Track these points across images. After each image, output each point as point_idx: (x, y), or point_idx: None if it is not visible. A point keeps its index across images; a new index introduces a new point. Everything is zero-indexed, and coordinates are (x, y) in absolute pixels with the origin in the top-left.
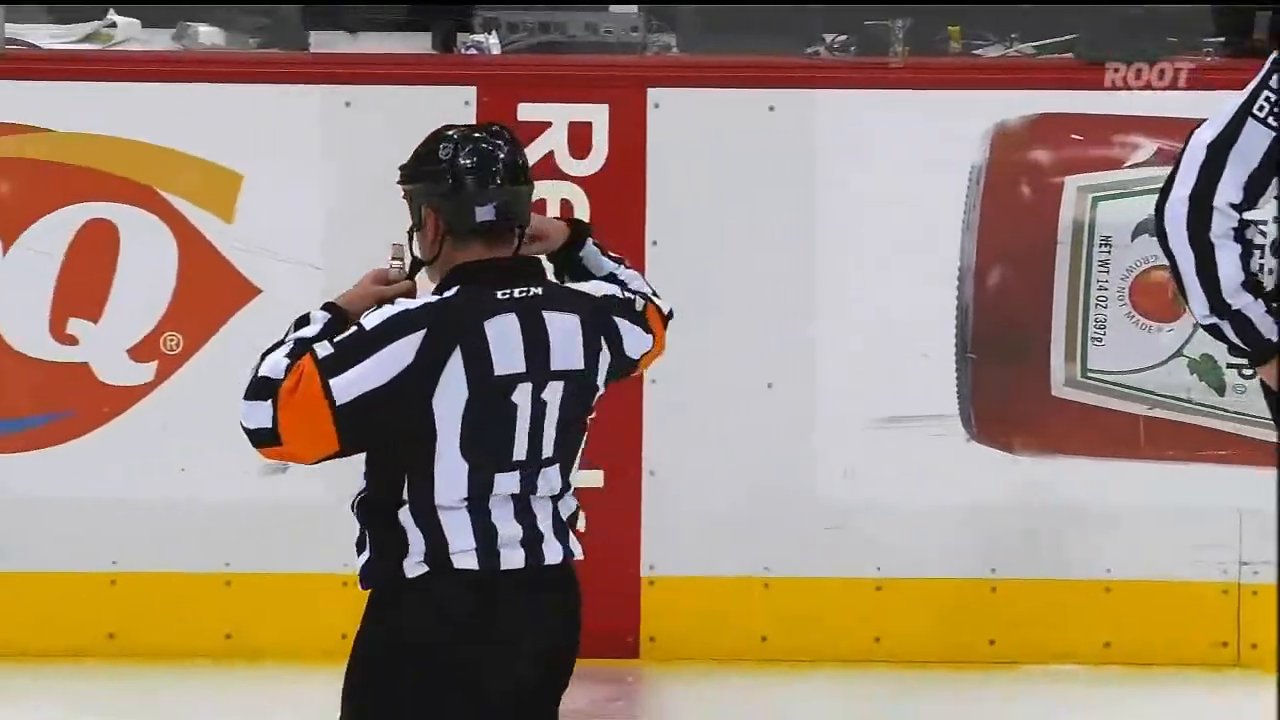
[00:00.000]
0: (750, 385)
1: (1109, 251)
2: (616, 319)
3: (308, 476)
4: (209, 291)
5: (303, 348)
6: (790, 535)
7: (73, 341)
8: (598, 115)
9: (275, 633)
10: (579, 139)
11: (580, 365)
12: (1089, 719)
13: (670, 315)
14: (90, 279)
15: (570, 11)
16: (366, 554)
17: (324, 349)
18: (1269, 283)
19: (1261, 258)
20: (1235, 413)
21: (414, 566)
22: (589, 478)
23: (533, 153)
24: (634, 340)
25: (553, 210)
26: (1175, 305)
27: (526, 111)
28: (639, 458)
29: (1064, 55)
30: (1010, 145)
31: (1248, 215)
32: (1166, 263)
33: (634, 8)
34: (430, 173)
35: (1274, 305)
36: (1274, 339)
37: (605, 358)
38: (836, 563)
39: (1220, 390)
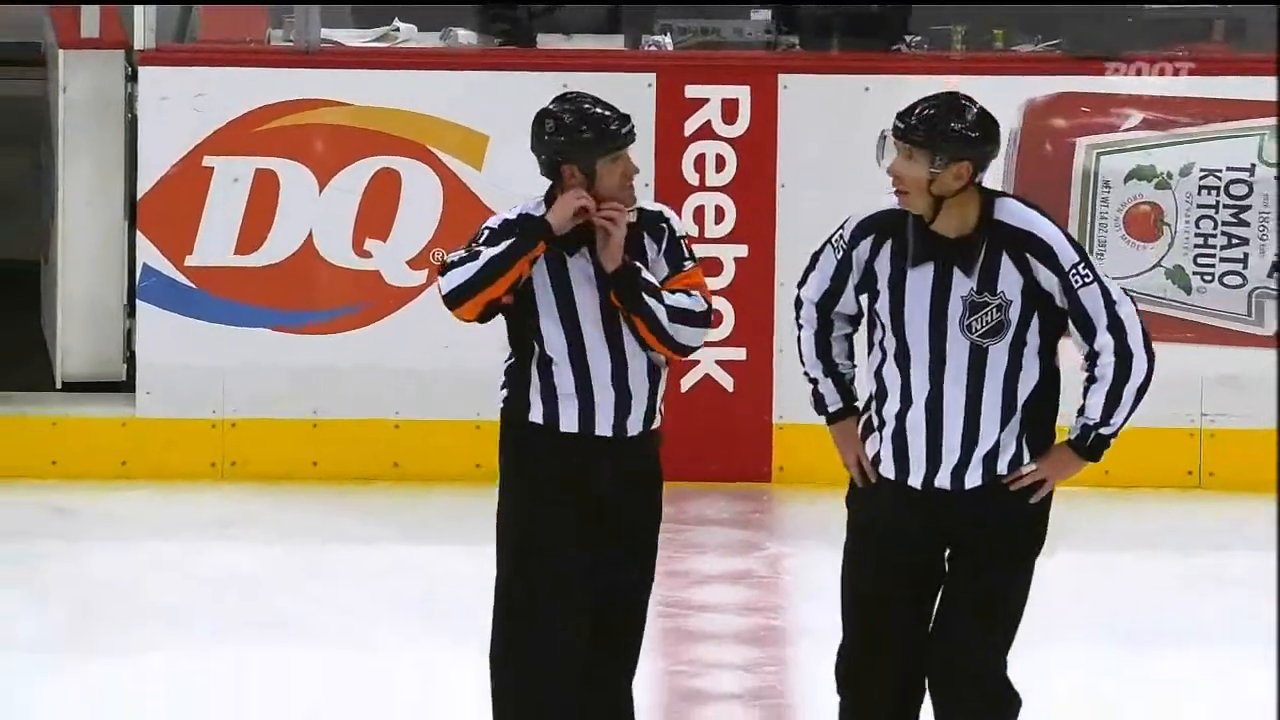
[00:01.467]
0: None
1: (1108, 191)
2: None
3: None
4: (464, 219)
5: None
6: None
7: (367, 255)
8: (742, 94)
9: None
10: (729, 111)
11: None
12: (1093, 524)
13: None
14: (380, 210)
15: (723, 20)
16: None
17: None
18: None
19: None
20: (1198, 307)
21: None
22: (734, 353)
23: (695, 121)
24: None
25: (709, 163)
26: (1156, 230)
27: (691, 91)
28: (771, 339)
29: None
30: (1037, 115)
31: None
32: (1150, 200)
33: (767, 15)
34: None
35: (846, 377)
36: (840, 406)
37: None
38: None
39: (1188, 291)
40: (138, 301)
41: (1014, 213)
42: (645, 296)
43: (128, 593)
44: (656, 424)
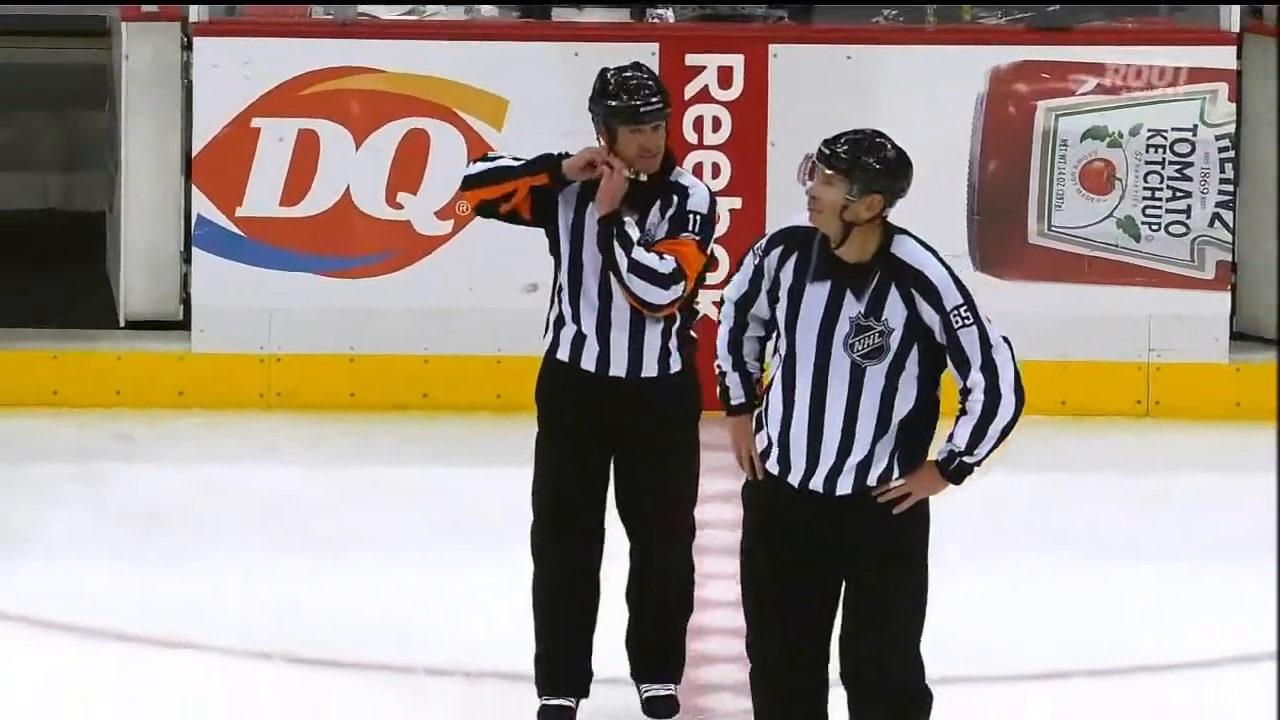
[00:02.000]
0: None
1: (1065, 149)
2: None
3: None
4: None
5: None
6: None
7: (399, 207)
8: (737, 62)
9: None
10: (724, 77)
11: None
12: (1049, 447)
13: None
14: (410, 166)
15: None
16: None
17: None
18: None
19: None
20: (1146, 253)
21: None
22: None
23: (695, 86)
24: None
25: (707, 125)
26: (1108, 185)
27: (691, 59)
28: None
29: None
30: (1002, 81)
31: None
32: (1103, 157)
33: None
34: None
35: (753, 375)
36: (742, 400)
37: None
38: None
39: (1136, 239)
40: (193, 248)
41: (910, 251)
42: (615, 244)
43: (184, 509)
44: (653, 371)
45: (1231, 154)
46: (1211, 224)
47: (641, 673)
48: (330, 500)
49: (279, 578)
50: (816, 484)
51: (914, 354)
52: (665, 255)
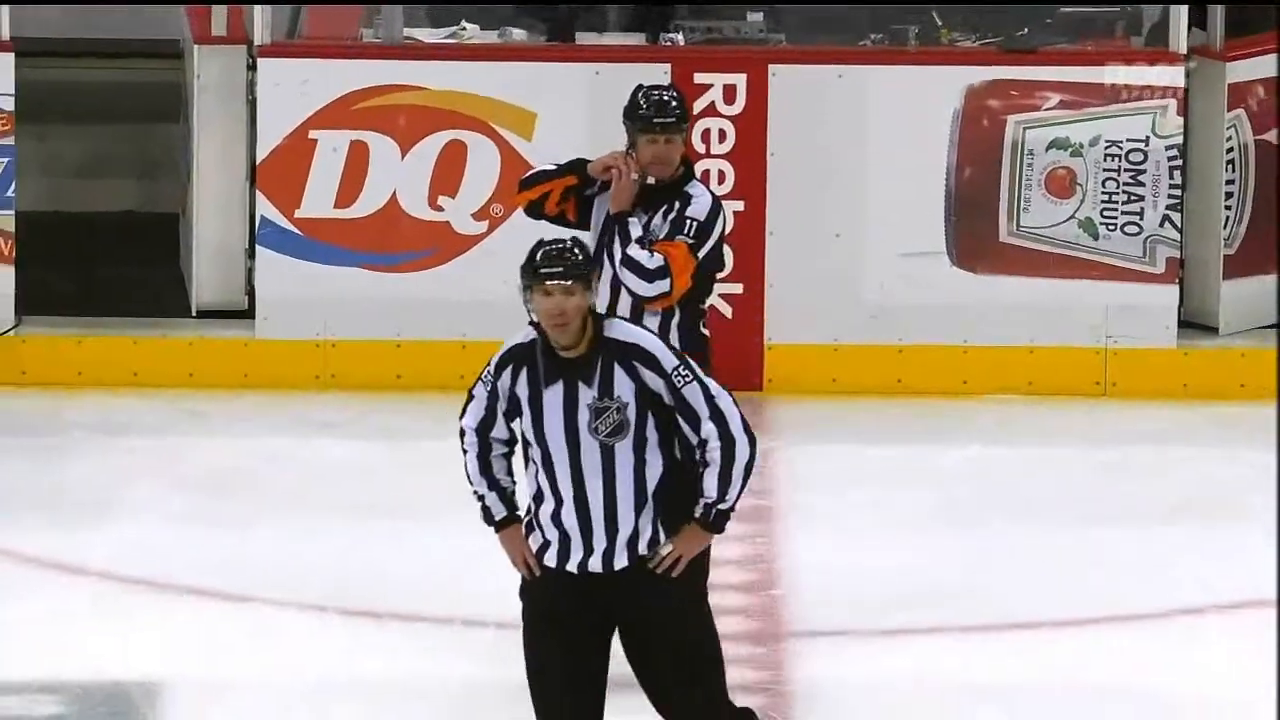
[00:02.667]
0: (826, 232)
1: (1032, 158)
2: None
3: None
4: (517, 179)
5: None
6: (847, 321)
7: (440, 209)
8: (740, 80)
9: None
10: (729, 94)
11: None
12: (1015, 424)
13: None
14: (450, 172)
15: (725, 20)
16: None
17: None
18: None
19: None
20: (1103, 250)
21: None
22: (733, 287)
23: (702, 102)
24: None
25: (714, 136)
26: (1070, 190)
27: (699, 78)
28: (762, 277)
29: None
30: (976, 98)
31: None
32: (1065, 165)
33: (760, 16)
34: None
35: (508, 490)
36: (504, 514)
37: None
38: (863, 331)
39: (1095, 237)
40: (257, 246)
41: (623, 331)
42: (616, 236)
43: (249, 477)
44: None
45: (1179, 162)
46: (1162, 224)
47: None
48: (378, 469)
49: (332, 538)
50: (595, 565)
51: (650, 422)
52: (655, 253)
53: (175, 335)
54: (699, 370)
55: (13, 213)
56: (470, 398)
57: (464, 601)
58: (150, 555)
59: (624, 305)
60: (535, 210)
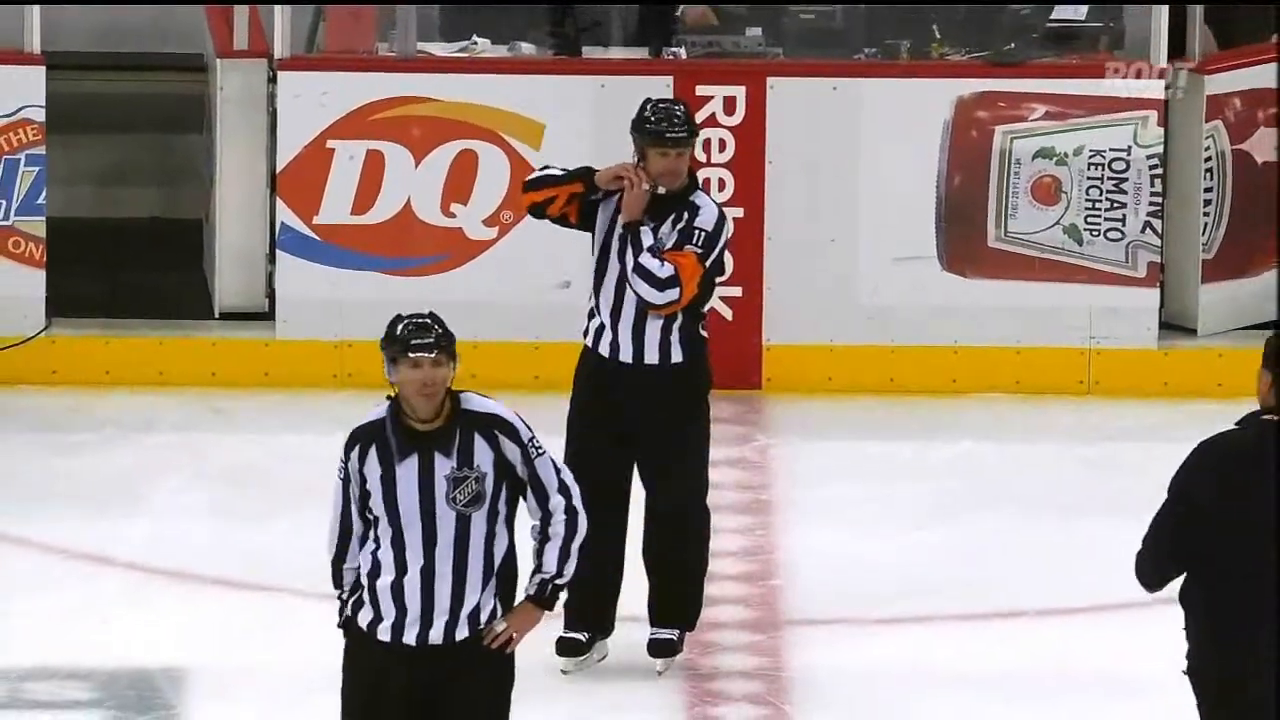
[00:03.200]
0: (822, 238)
1: (1019, 167)
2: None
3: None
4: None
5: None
6: (842, 323)
7: (452, 215)
8: (739, 92)
9: (570, 373)
10: (729, 105)
11: None
12: (1004, 421)
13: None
14: (462, 181)
15: (725, 35)
16: None
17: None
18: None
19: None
20: (1087, 255)
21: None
22: (733, 290)
23: (704, 113)
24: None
25: (714, 145)
26: (1055, 197)
27: (700, 90)
28: (761, 279)
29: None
30: (965, 109)
31: None
32: (1051, 173)
33: (759, 31)
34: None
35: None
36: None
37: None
38: (858, 332)
39: (1080, 243)
40: (277, 250)
41: (478, 402)
42: (628, 247)
43: (269, 472)
44: (654, 360)
45: (1160, 171)
46: (1143, 230)
47: (653, 616)
48: None
49: None
50: (436, 637)
51: (503, 495)
52: (666, 263)
53: (199, 336)
54: (545, 445)
55: (43, 219)
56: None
57: None
58: (175, 546)
59: (629, 309)
60: (539, 211)
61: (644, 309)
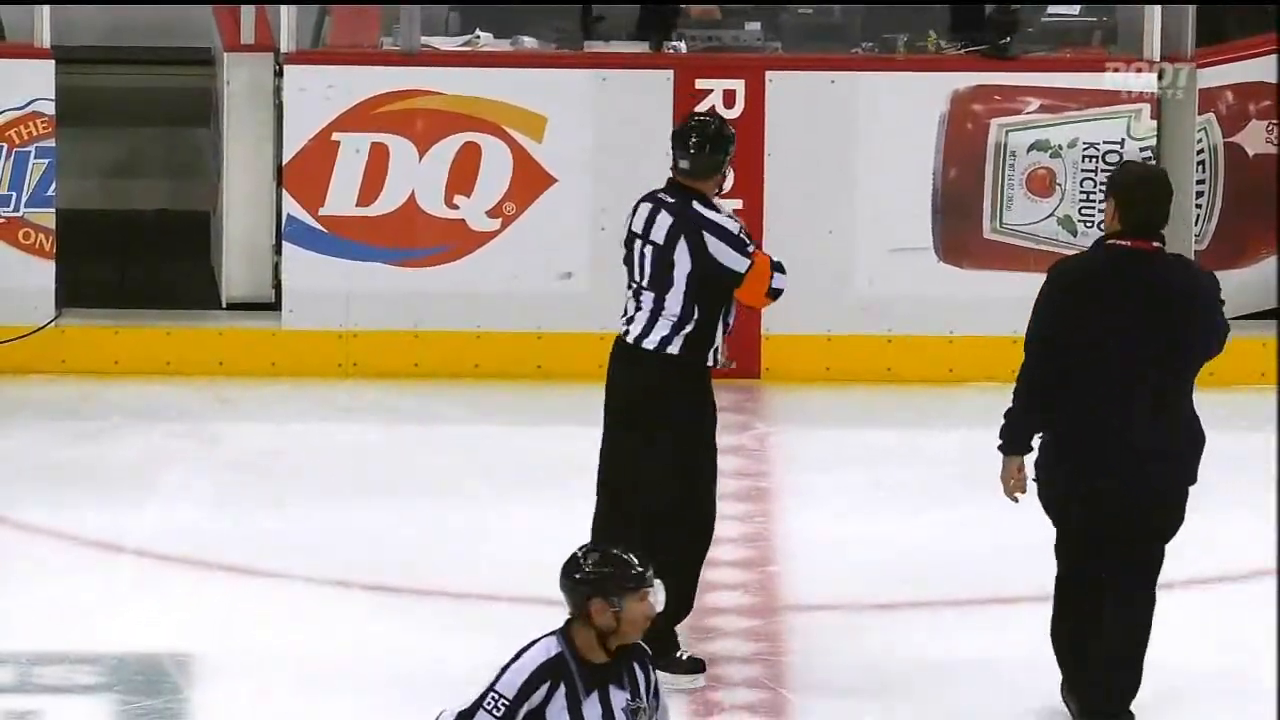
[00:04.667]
0: (820, 229)
1: (1014, 159)
2: (706, 234)
3: (592, 288)
4: (528, 180)
5: None
6: (839, 313)
7: (455, 207)
8: (739, 85)
9: (572, 362)
10: (728, 98)
11: (660, 241)
12: (996, 409)
13: (779, 266)
14: (465, 173)
15: (723, 29)
16: None
17: None
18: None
19: None
20: (1081, 246)
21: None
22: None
23: (703, 106)
24: (720, 252)
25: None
26: (1050, 189)
27: (700, 83)
28: None
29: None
30: (961, 102)
31: None
32: (1046, 165)
33: (758, 25)
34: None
35: None
36: None
37: (682, 247)
38: (855, 322)
39: (1074, 234)
40: (283, 242)
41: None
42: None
43: (276, 459)
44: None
45: (1153, 163)
46: None
47: None
48: (396, 452)
49: (354, 518)
50: None
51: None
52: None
53: (206, 326)
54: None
55: (53, 211)
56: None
57: (480, 577)
58: (183, 534)
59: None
60: None
61: (657, 312)
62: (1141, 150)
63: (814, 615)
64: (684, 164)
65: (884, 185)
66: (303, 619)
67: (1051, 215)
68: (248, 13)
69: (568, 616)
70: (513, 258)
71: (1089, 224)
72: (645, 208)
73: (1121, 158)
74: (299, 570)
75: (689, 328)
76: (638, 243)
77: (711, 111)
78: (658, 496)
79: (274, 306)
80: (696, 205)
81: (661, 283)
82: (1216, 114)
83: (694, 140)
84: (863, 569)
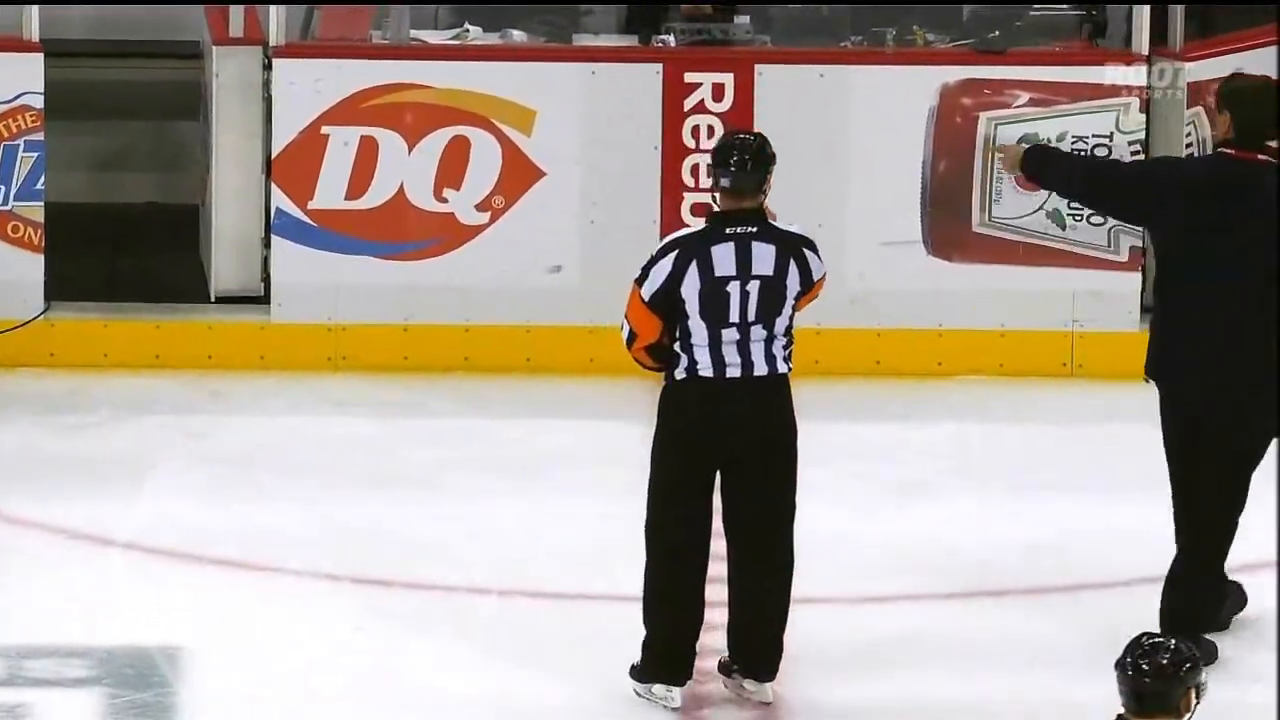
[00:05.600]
0: (809, 223)
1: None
2: (806, 250)
3: (582, 282)
4: (517, 173)
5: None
6: (829, 306)
7: (445, 200)
8: (728, 79)
9: (561, 356)
10: (717, 92)
11: (770, 272)
12: (988, 404)
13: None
14: (454, 166)
15: (713, 23)
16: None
17: (640, 274)
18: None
19: None
20: (1070, 240)
21: (680, 374)
22: None
23: (692, 99)
24: (815, 265)
25: (703, 132)
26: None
27: (689, 77)
28: None
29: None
30: (950, 96)
31: None
32: None
33: (747, 19)
34: (712, 155)
35: None
36: None
37: (793, 269)
38: (844, 316)
39: (1063, 227)
40: (272, 235)
41: None
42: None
43: (266, 453)
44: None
45: (1141, 157)
46: None
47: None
48: (386, 445)
49: (343, 511)
50: None
51: None
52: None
53: (195, 319)
54: None
55: (42, 204)
56: None
57: (469, 570)
58: (174, 526)
59: None
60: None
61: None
62: (1130, 144)
63: (807, 608)
64: (726, 181)
65: (873, 179)
66: (293, 612)
67: (1040, 209)
68: (236, 6)
69: None
70: (502, 251)
71: (1078, 218)
72: (725, 249)
73: (1110, 151)
74: (289, 563)
75: (789, 343)
76: (733, 284)
77: (748, 129)
78: (790, 534)
79: (263, 300)
80: (779, 225)
81: (771, 312)
82: (1205, 107)
83: (736, 158)
84: (853, 562)
